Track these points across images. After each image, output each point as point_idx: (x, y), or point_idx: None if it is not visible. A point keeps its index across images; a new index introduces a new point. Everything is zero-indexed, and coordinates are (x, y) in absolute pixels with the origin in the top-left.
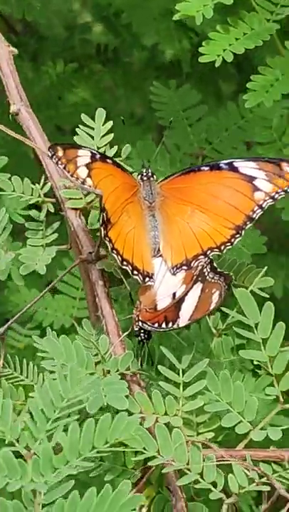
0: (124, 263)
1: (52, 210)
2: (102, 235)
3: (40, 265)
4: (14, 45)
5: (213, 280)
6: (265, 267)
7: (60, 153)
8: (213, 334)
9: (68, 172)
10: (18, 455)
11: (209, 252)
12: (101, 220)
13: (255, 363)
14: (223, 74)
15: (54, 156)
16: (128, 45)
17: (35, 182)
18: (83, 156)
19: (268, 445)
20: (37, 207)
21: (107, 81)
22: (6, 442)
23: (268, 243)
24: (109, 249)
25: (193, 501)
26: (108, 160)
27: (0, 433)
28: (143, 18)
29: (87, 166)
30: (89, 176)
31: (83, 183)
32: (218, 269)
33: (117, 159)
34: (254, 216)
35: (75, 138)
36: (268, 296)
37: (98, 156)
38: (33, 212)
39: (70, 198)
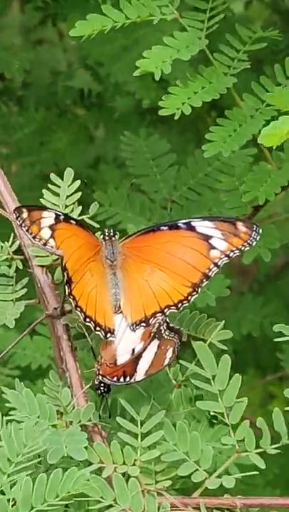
0: (87, 319)
1: (20, 266)
2: (67, 293)
3: (10, 319)
4: (0, 92)
5: (168, 337)
6: (223, 321)
7: (25, 215)
8: (173, 386)
9: (31, 234)
10: None
11: (167, 309)
12: (64, 279)
13: (212, 413)
14: (205, 118)
15: (18, 218)
16: (111, 91)
17: (4, 240)
18: (47, 218)
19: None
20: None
21: (90, 125)
22: None
23: (247, 284)
24: (73, 306)
25: None
26: (72, 221)
27: None
28: (121, 69)
29: (51, 227)
30: (52, 237)
31: (45, 244)
32: (172, 325)
33: (86, 216)
34: (210, 274)
35: (41, 199)
36: (226, 349)
37: (62, 217)
38: (3, 269)
39: (36, 256)
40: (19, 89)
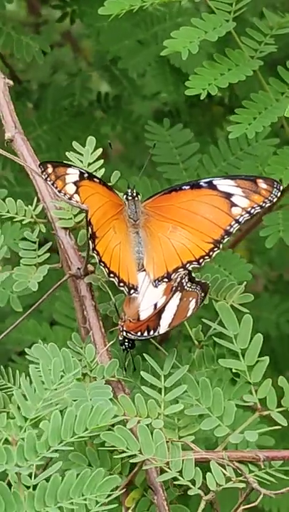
0: (111, 275)
1: (44, 230)
2: (91, 248)
3: (33, 283)
4: (18, 93)
5: (190, 289)
6: (244, 283)
7: (50, 170)
8: (195, 345)
9: (56, 188)
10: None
11: (188, 264)
12: (88, 234)
13: (234, 371)
14: (221, 122)
15: (44, 173)
16: (128, 93)
17: (27, 204)
18: (72, 174)
19: None
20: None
21: (107, 128)
22: None
23: (263, 284)
24: (97, 261)
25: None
26: (95, 179)
27: None
28: (139, 63)
29: (75, 183)
30: (76, 192)
31: (70, 198)
32: (195, 278)
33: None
34: (231, 230)
35: (65, 162)
36: (247, 311)
37: (86, 174)
38: (26, 234)
39: (60, 218)
40: (36, 91)
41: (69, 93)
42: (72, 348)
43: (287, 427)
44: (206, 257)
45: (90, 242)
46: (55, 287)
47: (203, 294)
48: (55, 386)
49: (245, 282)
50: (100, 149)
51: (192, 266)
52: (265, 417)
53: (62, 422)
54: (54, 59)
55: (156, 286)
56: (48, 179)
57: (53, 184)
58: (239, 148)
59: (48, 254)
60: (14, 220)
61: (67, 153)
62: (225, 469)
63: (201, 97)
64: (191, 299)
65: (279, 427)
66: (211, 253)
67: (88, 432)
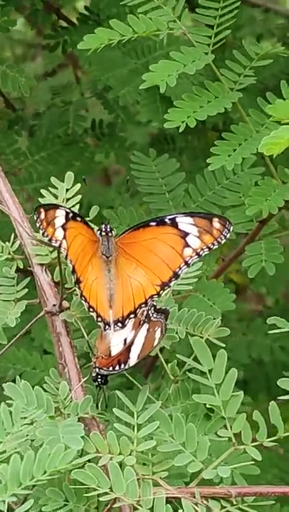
0: (90, 309)
1: (21, 266)
2: (73, 282)
3: (11, 318)
4: (12, 121)
5: (155, 319)
6: (220, 317)
7: (42, 215)
8: (171, 380)
9: (47, 236)
10: None
11: (138, 308)
12: (74, 280)
13: (209, 406)
14: None
15: (37, 220)
16: (122, 120)
17: (5, 240)
18: (60, 217)
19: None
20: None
21: (101, 155)
22: None
23: (256, 310)
24: (79, 295)
25: None
26: (78, 218)
27: None
28: (130, 92)
29: (63, 226)
30: (64, 237)
31: (60, 246)
32: (158, 307)
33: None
34: (179, 273)
35: (40, 199)
36: (223, 345)
37: (71, 214)
38: (4, 269)
39: (37, 254)
40: (31, 119)
41: (63, 121)
42: (49, 383)
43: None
44: (155, 296)
45: (72, 276)
46: (31, 323)
47: (166, 322)
48: (20, 423)
49: (220, 317)
50: (78, 185)
51: (142, 309)
52: None
53: (21, 465)
54: (57, 81)
55: (122, 326)
56: (41, 227)
57: (43, 233)
58: (225, 178)
59: (26, 290)
60: None
61: (42, 190)
62: (197, 506)
63: (180, 130)
64: (156, 328)
65: (252, 462)
66: (160, 292)
67: (48, 475)
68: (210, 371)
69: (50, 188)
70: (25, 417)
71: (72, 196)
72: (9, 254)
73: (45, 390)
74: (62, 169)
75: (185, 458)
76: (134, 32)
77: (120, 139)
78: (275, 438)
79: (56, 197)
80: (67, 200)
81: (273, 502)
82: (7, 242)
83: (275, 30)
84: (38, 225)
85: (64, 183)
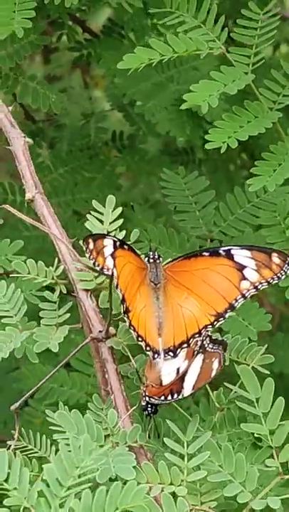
0: (139, 339)
1: (64, 291)
2: (122, 313)
3: (53, 344)
4: (33, 133)
5: (212, 350)
6: (266, 345)
7: (91, 245)
8: (217, 408)
9: (98, 266)
10: None
11: (192, 338)
12: (122, 309)
13: (256, 435)
14: (235, 160)
15: (87, 250)
16: (143, 132)
17: (48, 265)
18: (108, 246)
19: None
20: (50, 288)
21: (122, 167)
22: (22, 509)
23: (278, 323)
24: (127, 325)
25: None
26: (125, 246)
27: (17, 500)
28: (156, 107)
29: (112, 255)
30: (114, 266)
31: (113, 274)
32: (215, 338)
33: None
34: (236, 305)
35: (86, 224)
36: (268, 373)
37: (118, 243)
38: (46, 294)
39: (81, 280)
40: (51, 131)
41: (84, 134)
42: (94, 410)
43: None
44: (209, 327)
45: (121, 305)
46: (77, 350)
47: (224, 353)
48: (84, 464)
49: (266, 345)
50: (120, 208)
51: (195, 340)
52: None
53: (92, 501)
54: (63, 85)
55: (174, 355)
56: (91, 257)
57: (94, 263)
58: (256, 196)
59: (68, 315)
60: (35, 281)
61: (88, 215)
62: None
63: (222, 151)
64: (214, 359)
65: None
66: (215, 323)
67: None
68: (257, 400)
69: (91, 212)
70: (92, 451)
71: (115, 219)
72: (52, 279)
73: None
74: (85, 183)
75: (234, 488)
76: (174, 52)
77: (141, 151)
78: None
79: (102, 222)
80: (110, 223)
81: None
82: (51, 267)
83: None
84: (87, 255)
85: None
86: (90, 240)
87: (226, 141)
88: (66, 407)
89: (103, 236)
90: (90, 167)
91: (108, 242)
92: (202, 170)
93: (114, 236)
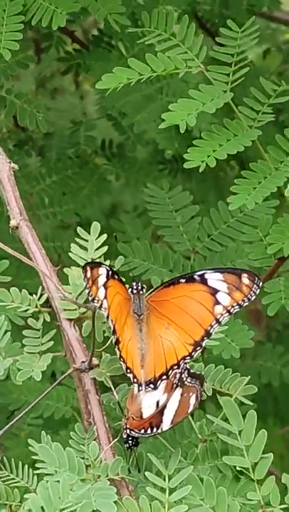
0: (128, 371)
1: (48, 319)
2: (116, 351)
3: (36, 372)
4: (22, 141)
5: (190, 384)
6: (249, 377)
7: (89, 273)
8: (198, 440)
9: (91, 296)
10: None
11: (170, 370)
12: (114, 340)
13: (238, 468)
14: (224, 167)
15: (85, 278)
16: (132, 141)
17: (32, 293)
18: (102, 275)
19: None
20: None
21: (111, 176)
22: None
23: (266, 333)
24: (118, 356)
25: None
26: (115, 276)
27: None
28: (144, 118)
29: (104, 285)
30: (105, 297)
31: (101, 306)
32: (193, 372)
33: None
34: (211, 331)
35: (70, 253)
36: (251, 404)
37: (110, 272)
38: (30, 321)
39: (65, 309)
40: (41, 139)
41: (74, 142)
42: (76, 440)
43: None
44: (187, 358)
45: (113, 336)
46: (60, 379)
47: (201, 388)
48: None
49: (249, 376)
50: (105, 235)
51: (173, 371)
52: None
53: None
54: (53, 86)
55: (154, 387)
56: (87, 286)
57: (89, 293)
58: (239, 211)
59: (51, 343)
60: (19, 310)
61: (71, 244)
62: None
63: (200, 170)
64: (191, 394)
65: None
66: (192, 353)
67: None
68: (240, 432)
69: (76, 239)
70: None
71: (99, 247)
72: (36, 307)
73: (70, 446)
74: (73, 193)
75: None
76: (152, 71)
77: (130, 159)
78: None
79: (86, 249)
80: (96, 250)
81: None
82: (34, 295)
83: (283, 46)
84: (84, 283)
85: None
86: (88, 268)
87: (205, 160)
88: (48, 437)
89: (99, 265)
90: (78, 176)
91: (102, 272)
92: (191, 178)
93: (107, 265)
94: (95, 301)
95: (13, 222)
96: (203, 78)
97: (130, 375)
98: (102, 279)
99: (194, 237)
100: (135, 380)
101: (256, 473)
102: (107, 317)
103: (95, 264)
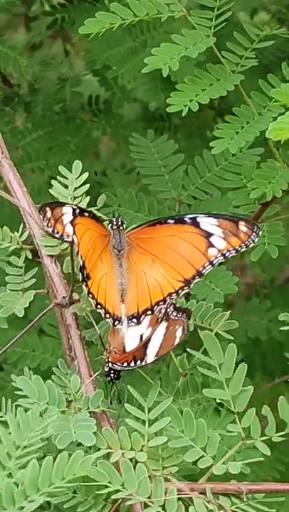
0: (98, 306)
1: (30, 256)
2: (80, 280)
3: (19, 309)
4: (8, 96)
5: (176, 317)
6: (229, 311)
7: (49, 214)
8: (180, 374)
9: (57, 233)
10: None
11: (156, 305)
12: (81, 277)
13: (218, 401)
14: (211, 125)
15: (44, 218)
16: (119, 97)
17: (14, 230)
18: (67, 213)
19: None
20: (16, 254)
21: (97, 131)
22: None
23: (254, 289)
24: (86, 292)
25: None
26: (85, 213)
27: None
28: (129, 71)
29: (72, 222)
30: (74, 233)
31: (73, 240)
32: (179, 306)
33: (94, 208)
34: (203, 272)
35: (50, 190)
36: (231, 338)
37: (78, 210)
38: (12, 259)
39: (46, 246)
40: (27, 96)
41: (60, 98)
42: (58, 375)
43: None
44: (174, 295)
45: (80, 273)
46: (40, 316)
47: (188, 321)
48: (37, 427)
49: (229, 311)
50: (86, 174)
51: (159, 307)
52: None
53: (39, 471)
54: (44, 53)
55: (138, 322)
56: (49, 225)
57: (53, 230)
58: (224, 159)
59: (34, 280)
60: (1, 246)
61: (52, 181)
62: (208, 503)
63: (183, 114)
64: (177, 327)
65: (262, 459)
66: (179, 291)
67: (66, 482)
68: (220, 365)
69: (58, 177)
70: (41, 420)
71: (81, 185)
72: (18, 244)
73: (53, 381)
74: (60, 147)
75: (195, 453)
76: (135, 15)
77: (116, 116)
78: (284, 433)
79: (66, 187)
80: (75, 189)
81: (283, 499)
82: (16, 232)
83: (270, 6)
84: (45, 223)
85: (68, 169)
86: (48, 209)
87: (188, 104)
88: (31, 372)
89: (62, 204)
90: (65, 131)
91: (67, 210)
92: (178, 136)
93: (73, 204)
94: (64, 237)
95: None
96: (187, 27)
97: (101, 311)
98: (67, 217)
99: (179, 186)
100: (107, 316)
101: (236, 405)
102: (77, 253)
103: (56, 204)
